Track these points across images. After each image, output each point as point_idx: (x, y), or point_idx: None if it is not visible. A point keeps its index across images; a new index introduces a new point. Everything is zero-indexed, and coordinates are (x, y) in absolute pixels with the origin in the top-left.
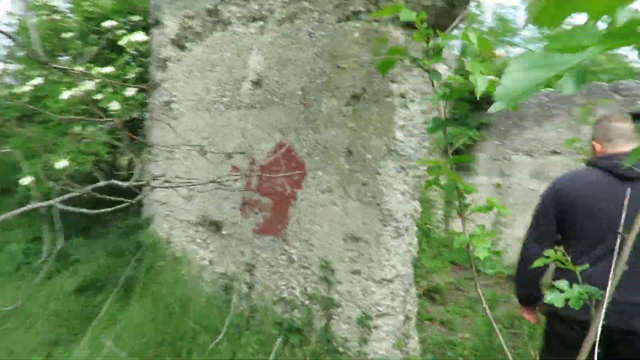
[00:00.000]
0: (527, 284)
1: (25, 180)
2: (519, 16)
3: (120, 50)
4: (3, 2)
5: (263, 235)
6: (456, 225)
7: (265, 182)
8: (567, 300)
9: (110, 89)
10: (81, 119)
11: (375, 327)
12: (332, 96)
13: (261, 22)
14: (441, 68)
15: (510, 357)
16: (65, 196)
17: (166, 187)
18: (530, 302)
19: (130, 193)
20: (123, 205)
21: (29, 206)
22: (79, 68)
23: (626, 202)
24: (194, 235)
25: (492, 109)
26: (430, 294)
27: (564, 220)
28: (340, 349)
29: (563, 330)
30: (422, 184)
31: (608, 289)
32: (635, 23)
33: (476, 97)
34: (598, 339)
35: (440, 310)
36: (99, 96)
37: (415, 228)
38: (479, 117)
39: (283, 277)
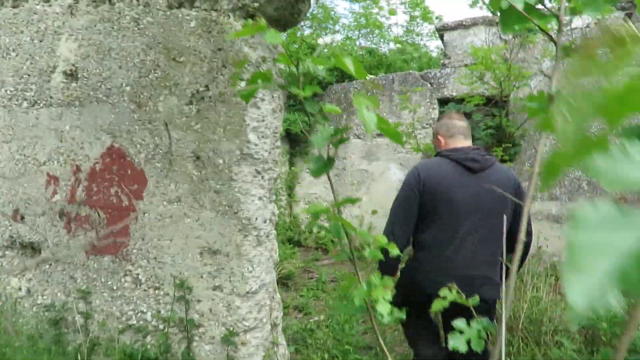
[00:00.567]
0: (392, 268)
1: None
2: (339, 4)
3: None
4: None
5: (99, 256)
6: (298, 208)
7: (95, 194)
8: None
9: None
10: None
11: (244, 344)
12: (171, 94)
13: (69, 1)
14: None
15: (381, 341)
16: None
17: None
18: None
19: None
20: None
21: None
22: None
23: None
24: (1, 261)
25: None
26: (282, 281)
27: (426, 206)
28: None
29: (415, 298)
30: (276, 185)
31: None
32: None
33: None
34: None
35: (294, 296)
36: None
37: (275, 232)
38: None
39: (130, 301)
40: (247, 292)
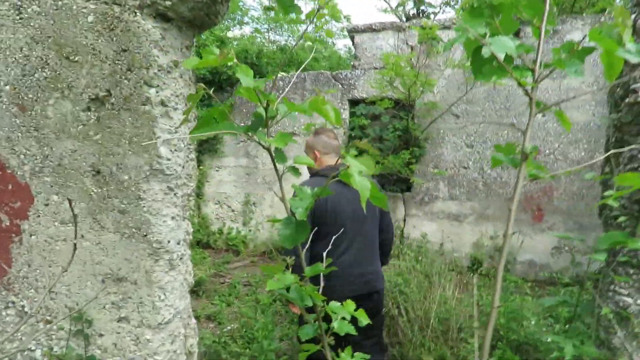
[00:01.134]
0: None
1: None
2: None
3: None
4: None
5: None
6: (207, 208)
7: None
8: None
9: None
10: None
11: None
12: (64, 97)
13: None
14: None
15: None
16: None
17: None
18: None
19: None
20: None
21: None
22: None
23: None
24: None
25: None
26: (192, 289)
27: (317, 222)
28: None
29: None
30: (190, 201)
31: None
32: None
33: (219, 78)
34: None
35: (205, 304)
36: None
37: (189, 252)
38: (222, 98)
39: (14, 338)
40: (159, 323)
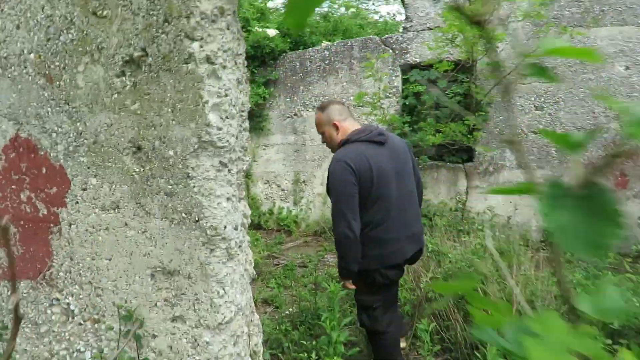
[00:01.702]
0: (355, 262)
1: None
2: None
3: None
4: None
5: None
6: (256, 188)
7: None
8: None
9: None
10: None
11: None
12: (94, 62)
13: None
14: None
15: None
16: None
17: None
18: (351, 275)
19: None
20: None
21: None
22: None
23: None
24: None
25: None
26: None
27: (364, 192)
28: None
29: (372, 279)
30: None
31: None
32: None
33: (261, 52)
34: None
35: (261, 287)
36: None
37: (248, 238)
38: (266, 73)
39: (60, 338)
40: (219, 323)
